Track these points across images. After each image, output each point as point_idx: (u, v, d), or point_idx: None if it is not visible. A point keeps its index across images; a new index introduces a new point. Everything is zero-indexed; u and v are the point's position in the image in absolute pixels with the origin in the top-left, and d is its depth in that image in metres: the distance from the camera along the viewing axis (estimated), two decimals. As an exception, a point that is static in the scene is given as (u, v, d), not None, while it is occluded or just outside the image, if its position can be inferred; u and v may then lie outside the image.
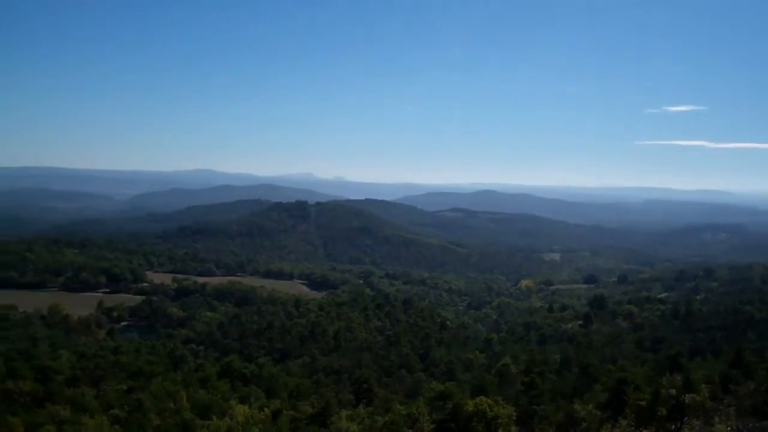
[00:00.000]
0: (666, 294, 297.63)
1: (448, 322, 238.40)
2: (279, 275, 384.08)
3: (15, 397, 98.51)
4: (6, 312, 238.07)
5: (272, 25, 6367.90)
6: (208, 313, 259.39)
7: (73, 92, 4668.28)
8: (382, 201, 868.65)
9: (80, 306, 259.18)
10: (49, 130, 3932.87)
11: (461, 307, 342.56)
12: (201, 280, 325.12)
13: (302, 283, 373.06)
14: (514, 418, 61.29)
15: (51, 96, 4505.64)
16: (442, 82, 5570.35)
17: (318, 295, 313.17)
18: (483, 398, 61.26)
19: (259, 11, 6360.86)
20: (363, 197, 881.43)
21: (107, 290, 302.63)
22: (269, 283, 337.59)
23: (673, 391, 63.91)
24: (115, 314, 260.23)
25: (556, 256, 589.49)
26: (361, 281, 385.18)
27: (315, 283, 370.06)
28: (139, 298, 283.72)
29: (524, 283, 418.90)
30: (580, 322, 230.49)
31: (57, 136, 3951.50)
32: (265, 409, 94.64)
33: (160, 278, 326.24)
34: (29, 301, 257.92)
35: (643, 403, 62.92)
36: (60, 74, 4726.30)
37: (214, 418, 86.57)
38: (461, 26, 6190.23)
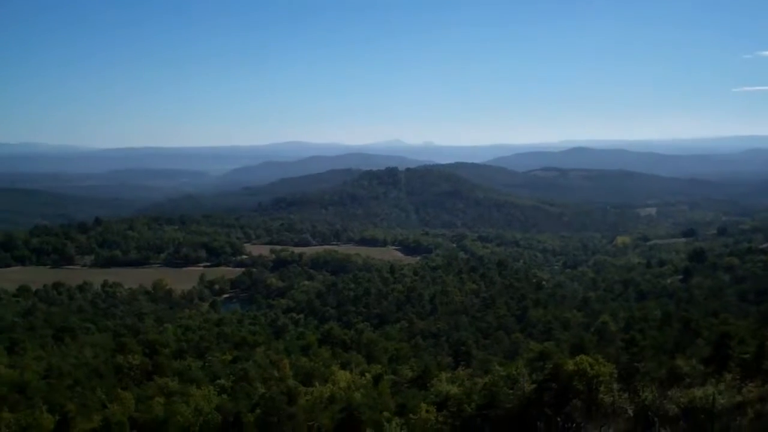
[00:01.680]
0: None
1: (543, 283, 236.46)
2: (373, 242, 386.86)
3: (125, 371, 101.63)
4: (112, 289, 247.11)
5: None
6: (306, 282, 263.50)
7: (172, 77, 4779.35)
8: (472, 164, 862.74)
9: (183, 280, 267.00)
10: (148, 112, 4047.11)
11: (556, 267, 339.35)
12: (297, 250, 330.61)
13: (396, 249, 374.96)
14: (615, 375, 60.69)
15: (151, 81, 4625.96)
16: (528, 38, 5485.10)
17: (412, 260, 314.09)
18: (583, 357, 60.78)
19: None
20: (453, 161, 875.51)
21: (208, 264, 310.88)
22: (364, 251, 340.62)
23: (779, 344, 62.32)
24: (216, 287, 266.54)
25: (652, 211, 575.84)
26: (454, 245, 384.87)
27: (409, 249, 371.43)
28: (238, 271, 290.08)
29: (620, 239, 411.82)
30: (680, 276, 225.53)
31: (155, 117, 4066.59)
32: (366, 374, 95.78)
33: (258, 250, 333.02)
34: (134, 278, 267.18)
35: (747, 356, 61.54)
36: (162, 65, 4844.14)
37: (317, 384, 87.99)
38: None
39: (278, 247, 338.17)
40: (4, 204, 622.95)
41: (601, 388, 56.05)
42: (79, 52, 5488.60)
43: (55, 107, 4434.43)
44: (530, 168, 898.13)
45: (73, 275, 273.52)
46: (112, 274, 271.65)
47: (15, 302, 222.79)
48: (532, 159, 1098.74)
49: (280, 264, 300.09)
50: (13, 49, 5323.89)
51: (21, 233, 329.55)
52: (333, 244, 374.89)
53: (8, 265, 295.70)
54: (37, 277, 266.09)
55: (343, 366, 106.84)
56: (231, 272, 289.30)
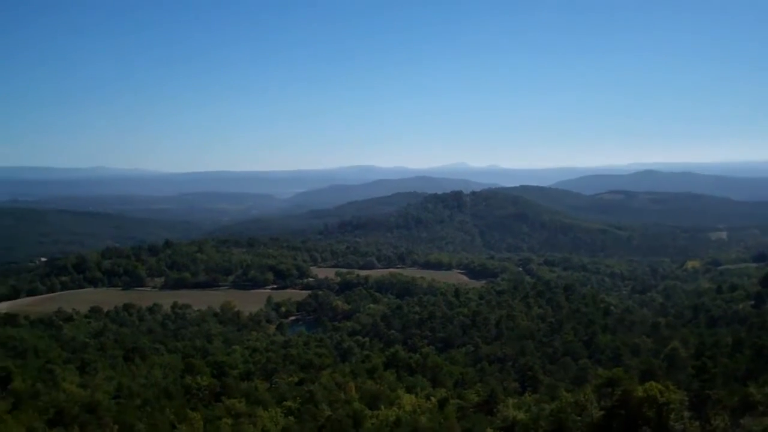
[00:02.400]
0: None
1: (611, 308, 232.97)
2: (438, 266, 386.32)
3: (193, 392, 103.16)
4: (182, 311, 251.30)
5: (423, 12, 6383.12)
6: (372, 305, 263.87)
7: (240, 105, 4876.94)
8: (538, 187, 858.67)
9: (250, 302, 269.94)
10: (217, 137, 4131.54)
11: (625, 292, 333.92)
12: (363, 273, 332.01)
13: (461, 273, 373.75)
14: (686, 403, 59.86)
15: (220, 109, 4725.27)
16: (596, 62, 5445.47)
17: (477, 283, 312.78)
18: (653, 383, 60.08)
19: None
20: (518, 184, 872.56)
21: (275, 286, 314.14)
22: (429, 274, 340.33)
23: None
24: (283, 309, 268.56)
25: (723, 235, 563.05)
26: (520, 269, 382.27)
27: (474, 272, 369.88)
28: (305, 293, 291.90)
29: (690, 264, 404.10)
30: (752, 302, 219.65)
31: (223, 143, 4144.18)
32: (432, 398, 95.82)
33: (324, 273, 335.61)
34: (202, 300, 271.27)
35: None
36: (231, 93, 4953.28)
37: (383, 407, 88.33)
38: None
39: (344, 270, 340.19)
40: (77, 227, 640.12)
41: (672, 416, 55.43)
42: (151, 81, 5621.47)
43: (128, 133, 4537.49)
44: (597, 191, 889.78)
45: (143, 297, 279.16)
46: (182, 296, 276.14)
47: (86, 323, 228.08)
48: (599, 182, 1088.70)
49: (345, 287, 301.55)
50: (88, 78, 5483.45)
51: (93, 255, 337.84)
52: (398, 267, 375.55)
53: (81, 287, 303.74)
54: (109, 298, 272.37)
55: (409, 389, 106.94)
56: (297, 294, 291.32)
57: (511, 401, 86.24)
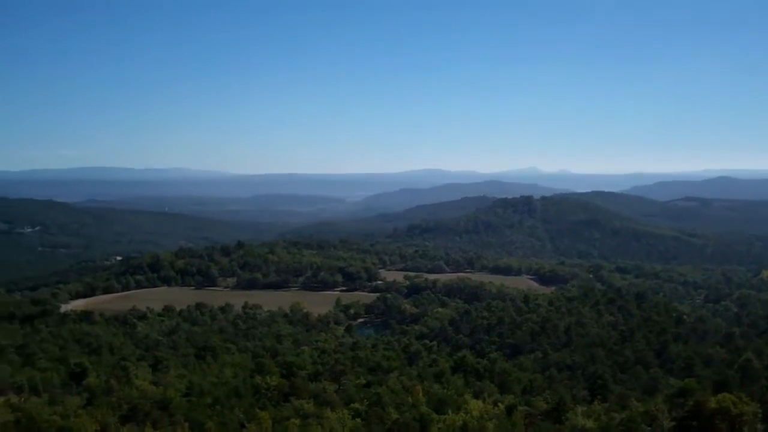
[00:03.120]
0: None
1: (684, 316, 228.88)
2: (507, 271, 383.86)
3: (263, 391, 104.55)
4: (252, 311, 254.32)
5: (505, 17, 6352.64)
6: (440, 309, 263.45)
7: (314, 110, 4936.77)
8: (610, 192, 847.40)
9: (319, 304, 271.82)
10: (289, 140, 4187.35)
11: (698, 301, 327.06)
12: (431, 276, 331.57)
13: (530, 278, 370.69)
14: (760, 415, 58.78)
15: (294, 113, 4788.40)
16: (670, 66, 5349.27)
17: (547, 290, 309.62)
18: (726, 395, 59.19)
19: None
20: (589, 189, 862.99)
21: (344, 288, 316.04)
22: (497, 279, 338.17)
23: None
24: (351, 311, 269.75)
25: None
26: (590, 275, 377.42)
27: (543, 278, 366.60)
28: (373, 296, 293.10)
29: (766, 273, 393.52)
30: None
31: (295, 146, 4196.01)
32: (500, 404, 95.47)
33: (393, 276, 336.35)
34: (273, 300, 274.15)
35: None
36: (307, 98, 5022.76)
37: (450, 412, 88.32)
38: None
39: (412, 274, 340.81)
40: (153, 226, 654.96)
41: (745, 428, 54.50)
42: (230, 86, 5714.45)
43: (205, 135, 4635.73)
44: (670, 198, 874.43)
45: (215, 296, 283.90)
46: (252, 296, 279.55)
47: (160, 321, 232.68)
48: (672, 188, 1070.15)
49: (413, 290, 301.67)
50: (169, 80, 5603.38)
51: (167, 255, 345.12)
52: (466, 272, 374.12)
53: (155, 286, 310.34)
54: (182, 297, 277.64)
55: (476, 395, 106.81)
56: (366, 297, 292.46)
57: (580, 409, 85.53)
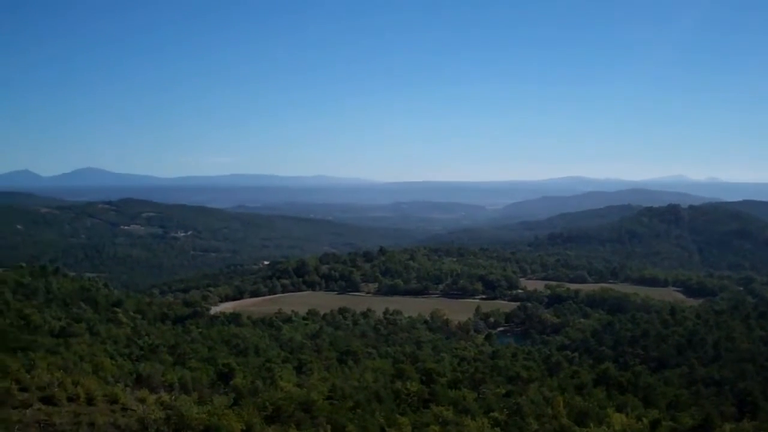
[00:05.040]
0: None
1: None
2: (652, 282, 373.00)
3: (403, 397, 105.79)
4: (393, 317, 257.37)
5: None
6: (582, 320, 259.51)
7: (452, 118, 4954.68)
8: (763, 202, 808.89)
9: (459, 311, 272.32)
10: (431, 149, 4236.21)
11: None
12: (573, 286, 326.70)
13: (677, 290, 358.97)
14: None
15: (432, 124, 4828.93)
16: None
17: (694, 302, 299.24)
18: None
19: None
20: (740, 198, 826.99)
21: (483, 296, 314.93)
22: (642, 290, 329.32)
23: None
24: (491, 320, 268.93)
25: None
26: (740, 288, 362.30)
27: (691, 290, 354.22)
28: (513, 305, 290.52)
29: None
30: None
31: (437, 154, 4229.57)
32: (643, 418, 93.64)
33: (533, 285, 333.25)
34: (413, 307, 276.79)
35: None
36: (444, 108, 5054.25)
37: (592, 425, 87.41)
38: None
39: (553, 283, 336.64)
40: (299, 232, 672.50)
41: None
42: (370, 93, 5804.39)
43: (348, 143, 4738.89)
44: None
45: (357, 301, 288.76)
46: (393, 302, 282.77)
47: (304, 324, 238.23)
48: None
49: (554, 300, 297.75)
50: (314, 92, 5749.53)
51: (312, 260, 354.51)
52: (609, 282, 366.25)
53: (300, 290, 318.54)
54: (325, 301, 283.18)
55: (619, 409, 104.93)
56: (506, 306, 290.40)
57: (728, 427, 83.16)
